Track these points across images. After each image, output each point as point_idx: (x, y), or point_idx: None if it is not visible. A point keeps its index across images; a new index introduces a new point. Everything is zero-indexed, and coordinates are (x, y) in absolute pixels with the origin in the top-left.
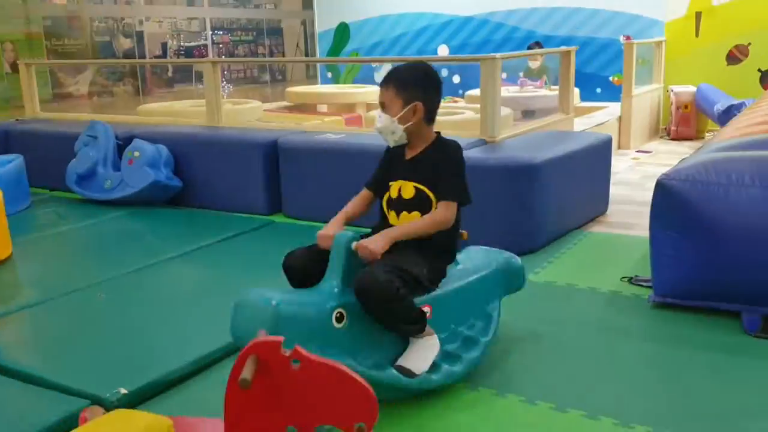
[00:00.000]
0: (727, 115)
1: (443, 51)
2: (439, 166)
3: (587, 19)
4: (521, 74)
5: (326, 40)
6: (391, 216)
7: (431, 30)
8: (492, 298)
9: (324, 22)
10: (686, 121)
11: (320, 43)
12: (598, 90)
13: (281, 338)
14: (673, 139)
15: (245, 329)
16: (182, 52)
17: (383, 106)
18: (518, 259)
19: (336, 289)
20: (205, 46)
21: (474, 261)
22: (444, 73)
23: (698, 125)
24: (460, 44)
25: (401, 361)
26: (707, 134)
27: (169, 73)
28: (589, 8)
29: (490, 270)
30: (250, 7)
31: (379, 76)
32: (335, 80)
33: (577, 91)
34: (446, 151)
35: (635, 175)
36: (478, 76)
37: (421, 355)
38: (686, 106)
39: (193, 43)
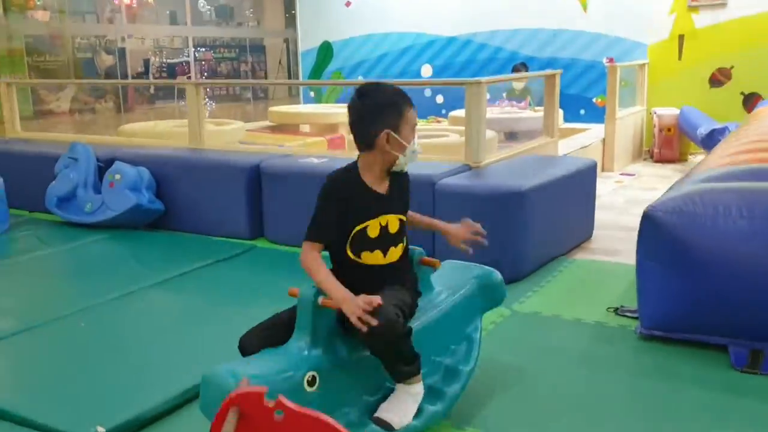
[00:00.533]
0: (710, 139)
1: (427, 71)
2: (407, 187)
3: (570, 41)
4: (504, 95)
5: (309, 59)
6: (375, 256)
7: (414, 50)
8: (471, 318)
9: (307, 41)
10: (669, 143)
11: (303, 62)
12: (582, 111)
13: (265, 388)
14: (656, 162)
15: (213, 408)
16: (164, 69)
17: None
18: (497, 273)
19: (305, 352)
20: (188, 62)
21: (449, 280)
22: (427, 93)
23: (681, 148)
24: (444, 64)
25: (382, 411)
26: (690, 156)
27: (151, 90)
28: (572, 30)
29: (467, 288)
30: (232, 25)
31: None
32: (318, 100)
33: (561, 112)
34: (405, 173)
35: (619, 199)
36: (461, 96)
37: (405, 406)
38: (669, 129)
39: (175, 60)
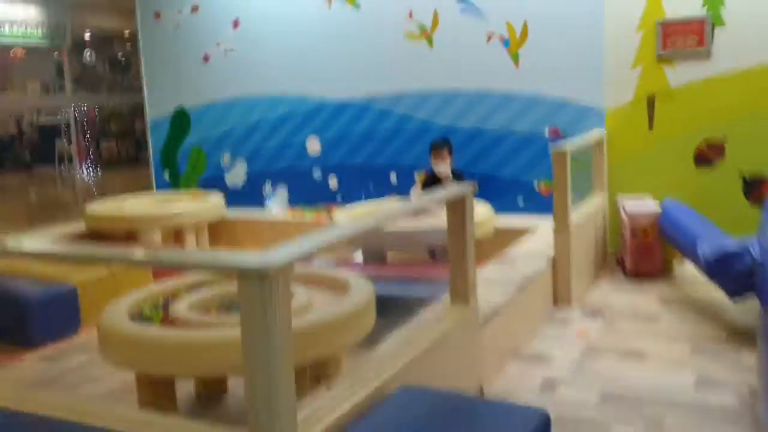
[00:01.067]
0: (722, 267)
1: (314, 145)
2: None
3: (500, 106)
4: (417, 178)
5: (161, 131)
6: None
7: (296, 117)
8: None
9: (157, 107)
10: (647, 251)
11: (153, 135)
12: (520, 201)
13: None
14: (631, 276)
15: None
16: (38, 131)
17: None
18: None
19: None
20: (68, 122)
21: None
22: (317, 174)
23: (664, 254)
24: (336, 136)
25: None
26: (676, 266)
27: (27, 156)
28: (502, 91)
29: None
30: (127, 77)
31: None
32: (173, 183)
33: (486, 210)
34: None
35: (588, 392)
36: (365, 176)
37: None
38: (645, 232)
39: (52, 119)
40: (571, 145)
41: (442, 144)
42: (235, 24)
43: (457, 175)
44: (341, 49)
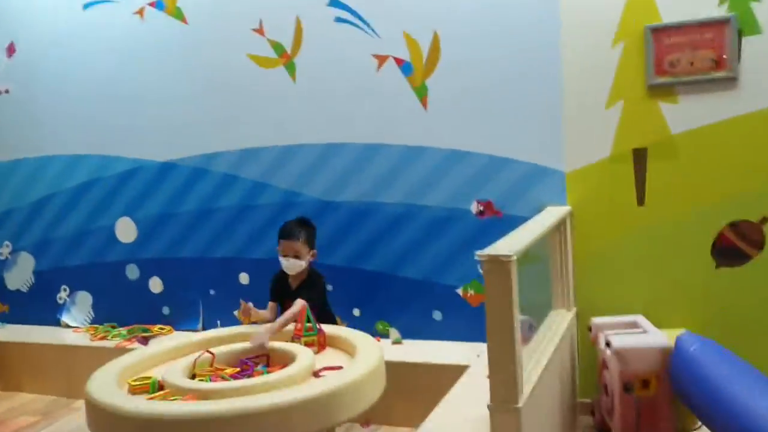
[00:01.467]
0: None
1: (127, 232)
2: None
3: (402, 168)
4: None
5: None
6: None
7: (101, 189)
8: None
9: None
10: (650, 418)
11: None
12: (438, 316)
13: None
14: None
15: None
16: None
17: None
18: None
19: None
20: None
21: None
22: (132, 273)
23: (676, 420)
24: (160, 216)
25: None
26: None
27: None
28: (404, 145)
29: None
30: None
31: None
32: None
33: (371, 348)
34: None
35: None
36: (203, 276)
37: None
38: (646, 382)
39: None
40: (519, 242)
41: (293, 229)
42: (10, 50)
43: (315, 278)
44: (162, 84)
